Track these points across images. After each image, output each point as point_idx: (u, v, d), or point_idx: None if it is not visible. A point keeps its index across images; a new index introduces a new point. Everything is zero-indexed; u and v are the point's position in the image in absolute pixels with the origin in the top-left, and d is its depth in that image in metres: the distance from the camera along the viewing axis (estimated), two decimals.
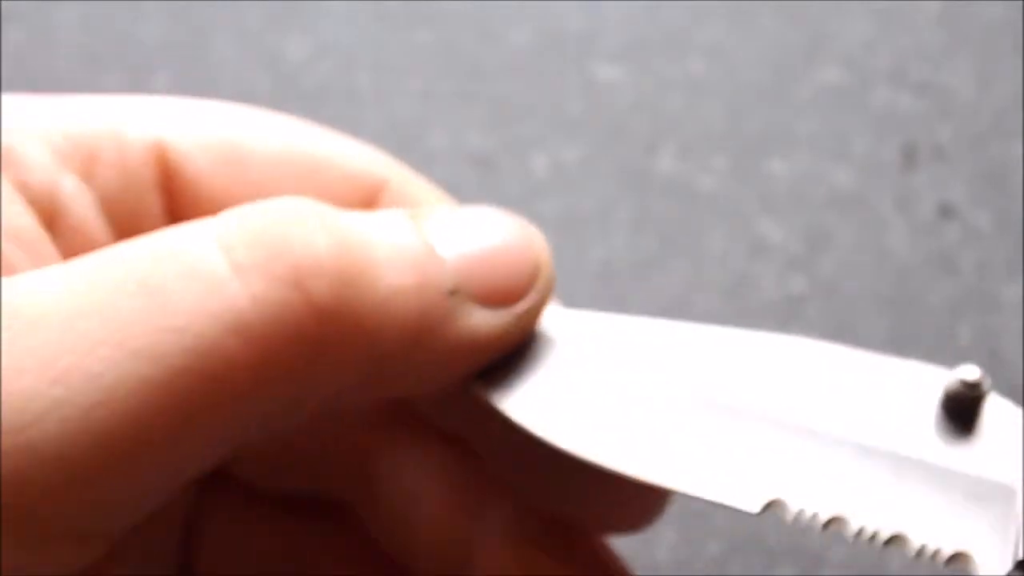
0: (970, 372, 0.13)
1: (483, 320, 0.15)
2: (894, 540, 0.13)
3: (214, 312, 0.13)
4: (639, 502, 0.18)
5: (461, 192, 0.47)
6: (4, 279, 0.13)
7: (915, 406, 0.14)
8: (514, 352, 0.16)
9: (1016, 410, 0.14)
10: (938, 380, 0.14)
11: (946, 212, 0.45)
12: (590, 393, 0.15)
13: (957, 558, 0.12)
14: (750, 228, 0.44)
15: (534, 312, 0.16)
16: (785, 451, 0.14)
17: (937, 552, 0.12)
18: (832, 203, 0.45)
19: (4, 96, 0.16)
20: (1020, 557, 0.12)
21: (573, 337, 0.15)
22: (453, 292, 0.15)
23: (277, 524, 0.20)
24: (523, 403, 0.15)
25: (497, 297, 0.15)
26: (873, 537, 0.13)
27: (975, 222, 0.46)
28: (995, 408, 0.13)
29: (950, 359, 0.43)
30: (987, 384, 0.13)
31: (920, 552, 0.12)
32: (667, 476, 0.13)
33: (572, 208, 0.44)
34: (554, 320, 0.16)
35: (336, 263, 0.14)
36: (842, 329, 0.43)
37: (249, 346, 0.13)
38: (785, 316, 0.42)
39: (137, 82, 0.47)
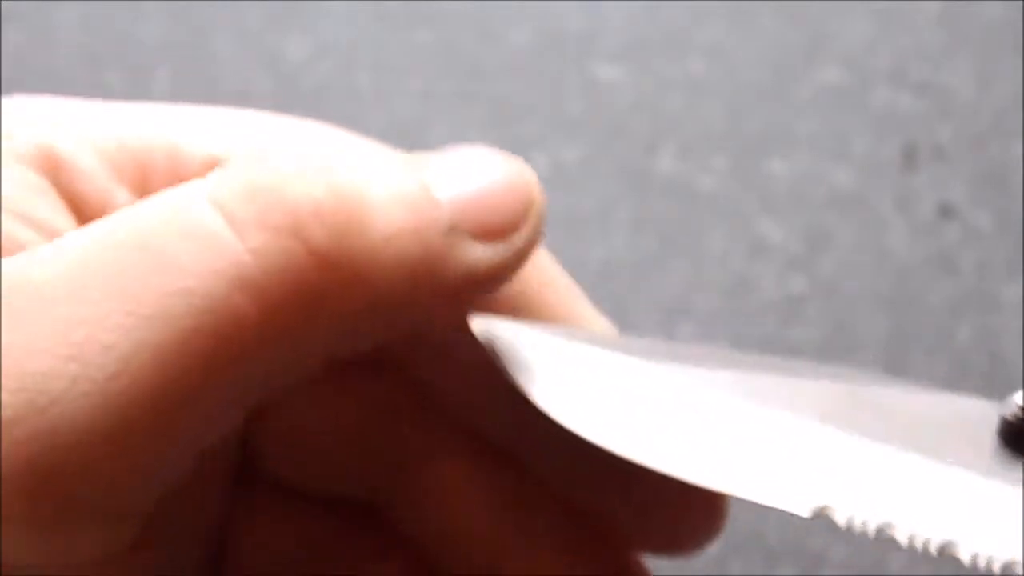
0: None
1: (481, 255, 0.15)
2: (947, 547, 0.13)
3: (218, 270, 0.13)
4: (684, 514, 0.18)
5: None
6: (4, 258, 0.13)
7: (972, 434, 0.14)
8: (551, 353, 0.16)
9: None
10: (992, 411, 0.14)
11: (946, 212, 0.45)
12: (627, 386, 0.15)
13: (1008, 567, 0.12)
14: (750, 228, 0.44)
15: (529, 245, 0.16)
16: (837, 457, 0.14)
17: (990, 560, 0.12)
18: (832, 203, 0.45)
19: (48, 98, 0.16)
20: None
21: (611, 339, 0.16)
22: (450, 230, 0.15)
23: (310, 523, 0.20)
24: (551, 391, 0.15)
25: (493, 232, 0.15)
26: (925, 544, 0.13)
27: (975, 222, 0.46)
28: None
29: (950, 359, 0.43)
30: None
31: (974, 560, 0.12)
32: (709, 475, 0.13)
33: (572, 208, 0.43)
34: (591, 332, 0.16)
35: (333, 209, 0.14)
36: (842, 329, 0.43)
37: (255, 301, 0.13)
38: (785, 316, 0.42)
39: (137, 82, 0.47)
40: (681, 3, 0.50)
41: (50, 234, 0.15)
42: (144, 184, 0.16)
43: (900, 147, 0.47)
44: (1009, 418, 0.13)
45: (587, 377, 0.15)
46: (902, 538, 0.13)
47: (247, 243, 0.13)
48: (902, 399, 0.14)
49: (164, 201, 0.14)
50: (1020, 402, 0.13)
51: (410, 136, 0.47)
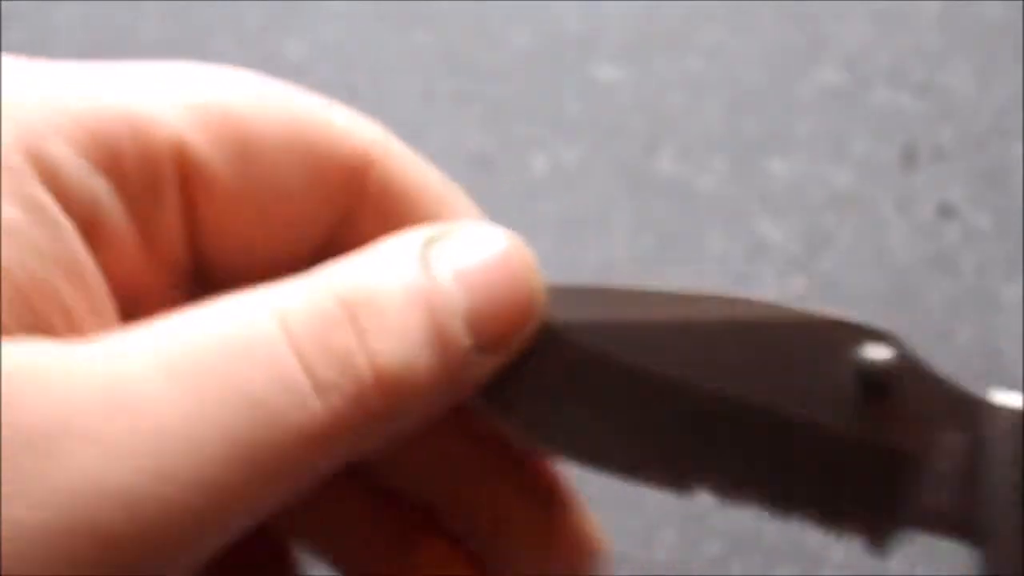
0: (881, 351, 0.13)
1: (493, 360, 0.17)
2: (804, 515, 0.13)
3: (303, 426, 0.15)
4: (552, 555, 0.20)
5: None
6: (101, 364, 0.14)
7: (831, 373, 0.14)
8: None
9: (930, 374, 0.14)
10: (855, 339, 0.14)
11: (946, 212, 0.45)
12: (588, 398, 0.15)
13: (852, 528, 0.13)
14: (750, 228, 0.44)
15: (528, 339, 0.18)
16: (707, 423, 0.14)
17: (838, 529, 0.13)
18: (832, 203, 0.45)
19: (9, 66, 0.16)
20: (909, 524, 0.13)
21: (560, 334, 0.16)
22: (473, 352, 0.17)
23: (375, 512, 0.22)
24: (526, 416, 0.16)
25: (505, 343, 0.17)
26: (784, 512, 0.13)
27: (975, 222, 0.46)
28: (911, 373, 0.14)
29: (950, 359, 0.42)
30: (901, 360, 0.13)
31: (822, 528, 0.13)
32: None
33: (571, 209, 0.43)
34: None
35: (395, 373, 0.16)
36: None
37: (329, 447, 0.15)
38: None
39: None
40: (680, 3, 0.50)
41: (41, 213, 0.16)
42: (117, 171, 0.17)
43: (900, 147, 0.47)
44: (866, 361, 0.14)
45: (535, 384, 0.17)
46: (761, 504, 0.13)
47: (331, 408, 0.15)
48: (772, 334, 0.14)
49: (234, 321, 0.16)
50: (877, 350, 0.13)
51: (409, 137, 0.48)
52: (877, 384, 0.14)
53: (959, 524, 0.13)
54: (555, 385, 0.16)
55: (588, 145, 0.45)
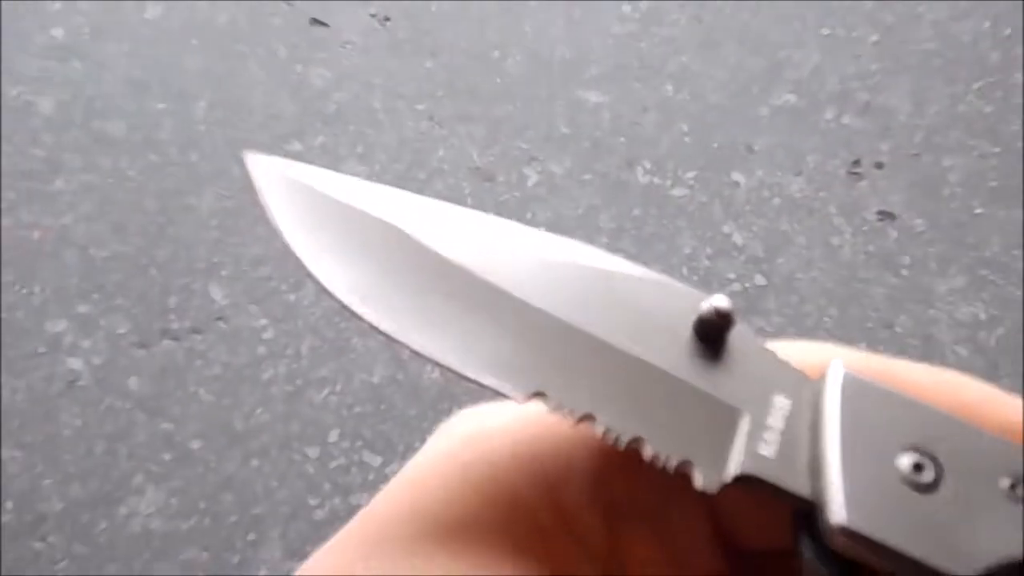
0: (721, 300, 0.12)
1: None
2: (634, 441, 0.12)
3: None
4: None
5: (464, 202, 0.46)
6: None
7: (674, 324, 0.13)
8: None
9: (758, 341, 0.13)
10: (694, 303, 0.13)
11: (886, 217, 0.47)
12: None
13: (683, 466, 0.12)
14: (716, 232, 0.45)
15: None
16: (556, 350, 0.13)
17: (668, 458, 0.12)
18: (787, 210, 0.46)
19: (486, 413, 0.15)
20: (737, 473, 0.12)
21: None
22: None
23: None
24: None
25: None
26: (617, 438, 0.12)
27: (911, 225, 0.47)
28: (741, 337, 0.13)
29: (891, 345, 0.44)
30: (736, 314, 0.12)
31: (654, 457, 0.12)
32: (440, 352, 0.13)
33: (561, 215, 0.45)
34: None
35: None
36: (796, 318, 0.44)
37: None
38: (746, 308, 0.44)
39: (181, 108, 0.48)
40: (656, 35, 0.51)
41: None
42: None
43: (846, 161, 0.48)
44: (703, 317, 0.13)
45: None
46: (599, 429, 0.13)
47: None
48: (625, 284, 0.14)
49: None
50: (716, 304, 0.12)
51: (419, 152, 0.48)
52: (706, 332, 0.13)
53: (791, 479, 0.12)
54: None
55: (575, 159, 0.47)
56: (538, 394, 0.13)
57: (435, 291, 0.14)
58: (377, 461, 0.51)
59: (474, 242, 0.14)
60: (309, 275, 0.13)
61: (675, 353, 0.13)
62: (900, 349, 0.43)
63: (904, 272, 0.45)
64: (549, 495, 0.14)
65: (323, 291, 0.13)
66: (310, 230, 0.14)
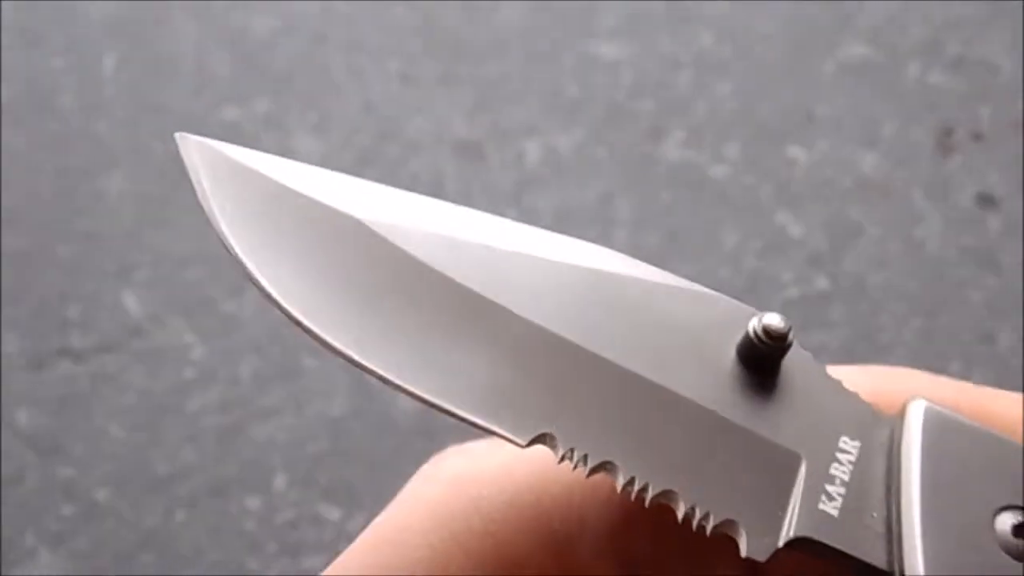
0: (773, 319, 0.13)
1: None
2: (663, 495, 0.13)
3: None
4: None
5: (445, 184, 0.45)
6: None
7: (715, 349, 0.14)
8: None
9: (819, 368, 0.14)
10: (739, 320, 0.14)
11: (985, 202, 0.46)
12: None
13: (725, 526, 0.13)
14: (767, 222, 0.44)
15: None
16: (566, 380, 0.14)
17: (705, 517, 0.13)
18: (858, 193, 0.45)
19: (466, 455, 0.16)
20: (791, 536, 0.12)
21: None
22: None
23: None
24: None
25: None
26: (641, 492, 0.13)
27: (1016, 212, 0.46)
28: (798, 363, 0.13)
29: (990, 366, 0.43)
30: (791, 336, 0.13)
31: (688, 515, 0.13)
32: (414, 380, 0.13)
33: (568, 201, 0.44)
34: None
35: None
36: (869, 332, 0.43)
37: None
38: (805, 318, 0.43)
39: (85, 67, 0.48)
40: None
41: None
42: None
43: (933, 130, 0.47)
44: (751, 337, 0.13)
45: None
46: (619, 480, 0.13)
47: None
48: (652, 297, 0.14)
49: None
50: (767, 323, 0.13)
51: (388, 122, 0.47)
52: (755, 358, 0.13)
53: (858, 543, 0.13)
54: None
55: (586, 131, 0.46)
56: (543, 436, 0.13)
57: (409, 304, 0.14)
58: (336, 514, 0.49)
59: (459, 243, 0.15)
60: (250, 279, 0.14)
61: (715, 384, 0.14)
62: (1002, 372, 0.43)
63: (1007, 272, 0.44)
64: (556, 557, 0.15)
65: (267, 299, 0.14)
66: (252, 223, 0.15)
